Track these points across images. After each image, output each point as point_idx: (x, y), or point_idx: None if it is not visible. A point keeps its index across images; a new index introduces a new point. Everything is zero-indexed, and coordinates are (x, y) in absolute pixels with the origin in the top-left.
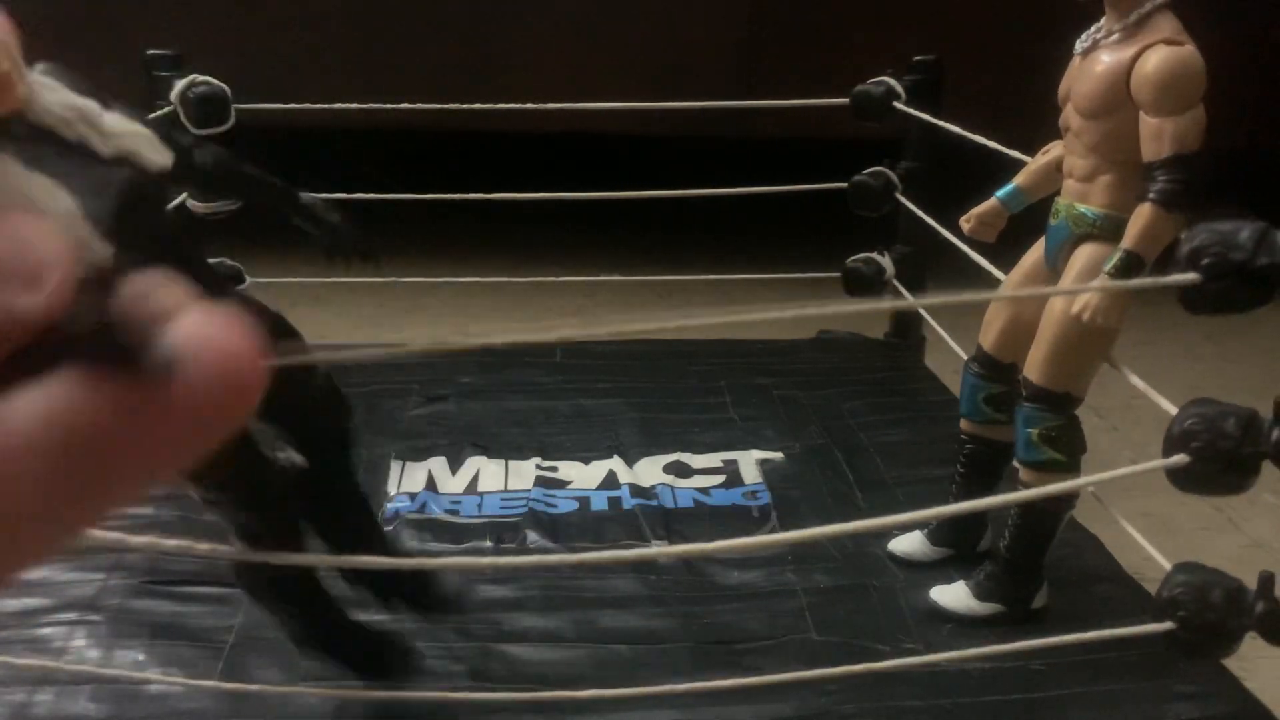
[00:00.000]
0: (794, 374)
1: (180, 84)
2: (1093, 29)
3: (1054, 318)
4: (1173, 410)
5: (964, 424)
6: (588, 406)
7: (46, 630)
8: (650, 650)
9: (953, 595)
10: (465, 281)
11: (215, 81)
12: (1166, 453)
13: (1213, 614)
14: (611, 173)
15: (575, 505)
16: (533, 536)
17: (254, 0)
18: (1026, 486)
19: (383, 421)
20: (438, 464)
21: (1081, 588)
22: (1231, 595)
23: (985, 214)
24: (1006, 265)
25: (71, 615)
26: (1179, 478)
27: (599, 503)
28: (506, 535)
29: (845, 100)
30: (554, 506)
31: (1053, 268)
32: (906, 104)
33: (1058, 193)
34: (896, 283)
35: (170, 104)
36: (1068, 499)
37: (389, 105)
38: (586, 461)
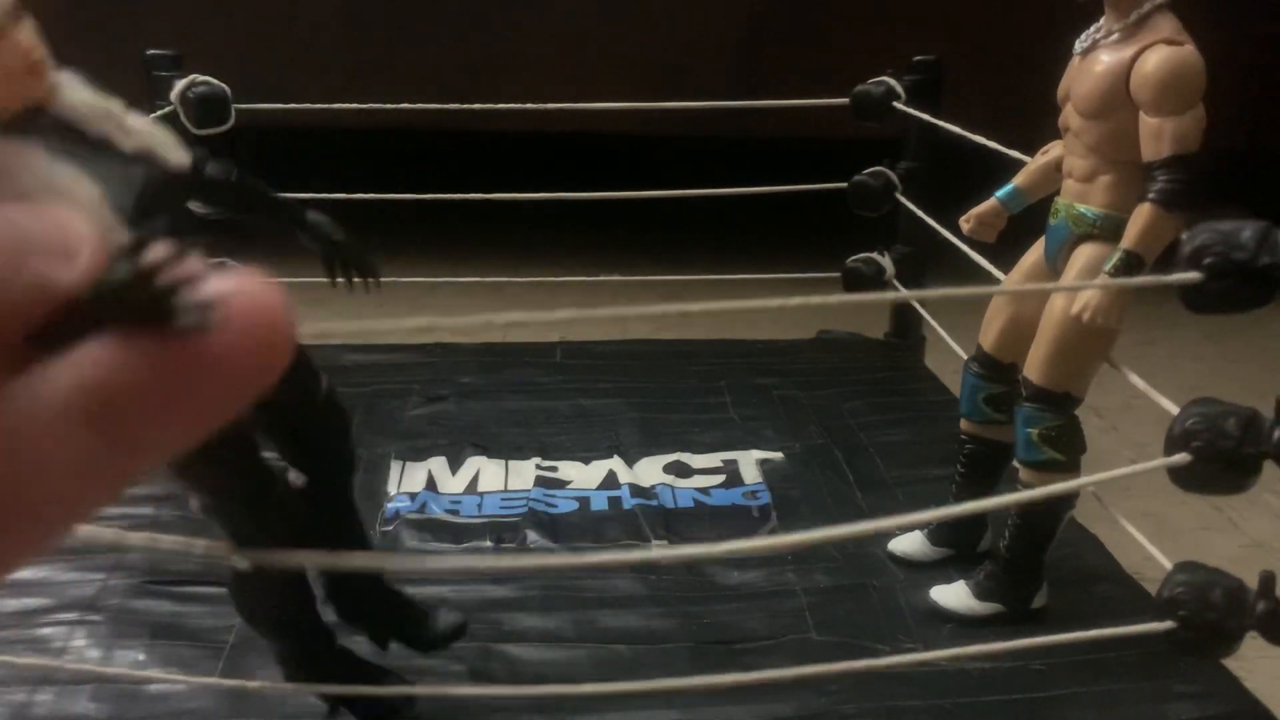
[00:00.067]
0: (794, 374)
1: (180, 84)
2: (1092, 29)
3: (1054, 318)
4: (1174, 410)
5: (964, 424)
6: (588, 406)
7: (47, 630)
8: (650, 650)
9: (953, 595)
10: (465, 281)
11: (215, 81)
12: (1168, 452)
13: (1213, 613)
14: (611, 173)
15: (575, 505)
16: (533, 536)
17: (254, 0)
18: (1027, 486)
19: (383, 421)
20: (438, 464)
21: (1081, 588)
22: (1232, 595)
23: (985, 214)
24: (1006, 265)
25: (72, 615)
26: (1180, 477)
27: (599, 503)
28: (506, 535)
29: (845, 100)
30: (554, 506)
31: (1053, 268)
32: (906, 104)
33: (1057, 193)
34: (896, 283)
35: (170, 104)
36: (1068, 499)
37: (389, 105)
38: (586, 461)
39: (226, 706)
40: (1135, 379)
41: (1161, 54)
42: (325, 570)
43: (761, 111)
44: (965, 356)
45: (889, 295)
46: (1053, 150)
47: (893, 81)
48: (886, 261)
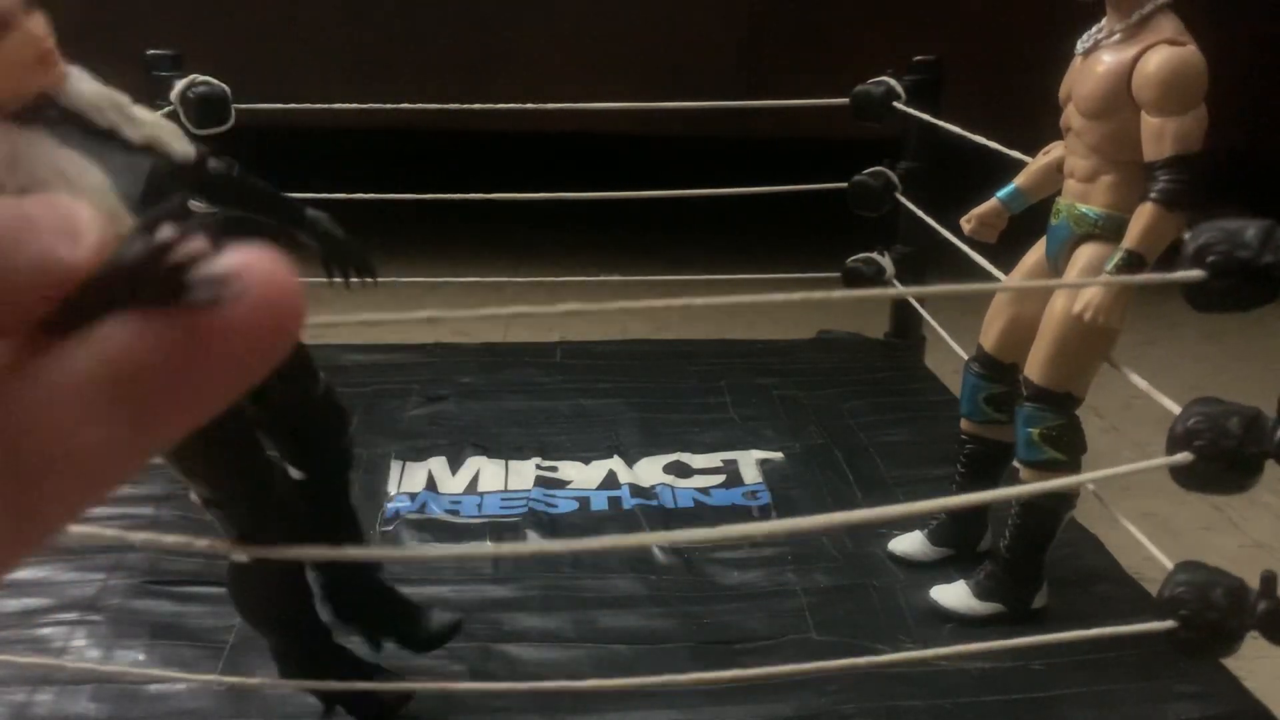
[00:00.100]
0: (794, 374)
1: (180, 84)
2: (1094, 29)
3: (1055, 318)
4: (1175, 409)
5: (964, 424)
6: (588, 406)
7: (47, 630)
8: (650, 650)
9: (953, 595)
10: (465, 281)
11: (215, 81)
12: (1170, 451)
13: (1214, 613)
14: (611, 173)
15: (575, 505)
16: (533, 536)
17: (254, 0)
18: None
19: (383, 421)
20: (438, 464)
21: (1081, 588)
22: (1233, 594)
23: (986, 214)
24: (1006, 266)
25: (72, 615)
26: (1182, 476)
27: (599, 503)
28: (506, 535)
29: (845, 100)
30: (554, 506)
31: (1054, 268)
32: (906, 104)
33: (1058, 193)
34: (896, 283)
35: (170, 104)
36: (1068, 499)
37: (389, 105)
38: (586, 461)
39: (227, 707)
40: (1136, 379)
41: (1164, 54)
42: (321, 569)
43: (761, 111)
44: (965, 356)
45: (888, 292)
46: (1054, 151)
47: (893, 81)
48: (886, 261)
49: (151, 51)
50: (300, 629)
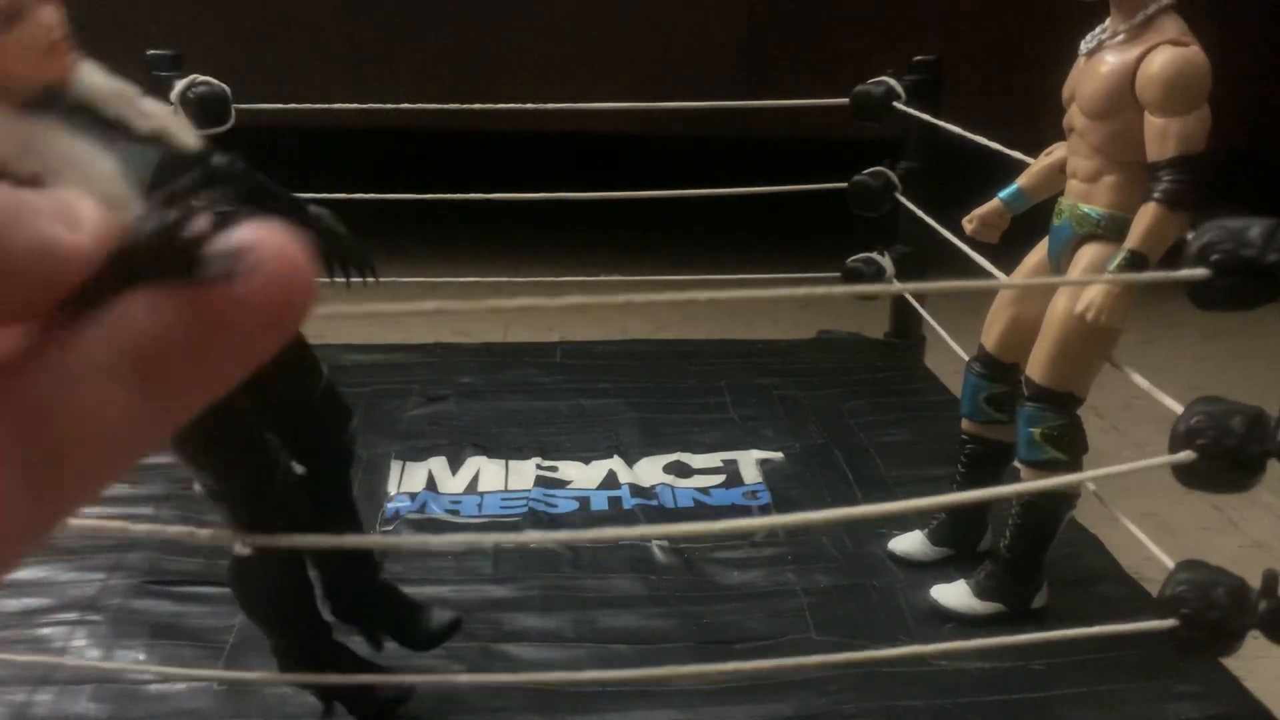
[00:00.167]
0: (794, 374)
1: (180, 84)
2: (1098, 30)
3: (1057, 317)
4: (1177, 409)
5: (965, 424)
6: (588, 406)
7: (47, 630)
8: (650, 650)
9: (953, 594)
10: (465, 281)
11: (215, 81)
12: (1172, 449)
13: (1216, 612)
14: (611, 173)
15: (575, 505)
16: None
17: (254, 0)
18: None
19: (383, 421)
20: (438, 464)
21: (1081, 588)
22: (1235, 593)
23: (988, 215)
24: (1007, 266)
25: (72, 615)
26: (1184, 474)
27: (599, 503)
28: (507, 533)
29: (845, 100)
30: (554, 506)
31: (1056, 268)
32: (906, 104)
33: (1060, 193)
34: (896, 283)
35: (170, 104)
36: (1068, 499)
37: (389, 105)
38: (586, 461)
39: (227, 707)
40: (1138, 378)
41: (1167, 54)
42: (322, 567)
43: (761, 111)
44: (965, 356)
45: (888, 288)
46: (1056, 152)
47: (893, 81)
48: (886, 261)
49: (151, 51)
50: (301, 625)
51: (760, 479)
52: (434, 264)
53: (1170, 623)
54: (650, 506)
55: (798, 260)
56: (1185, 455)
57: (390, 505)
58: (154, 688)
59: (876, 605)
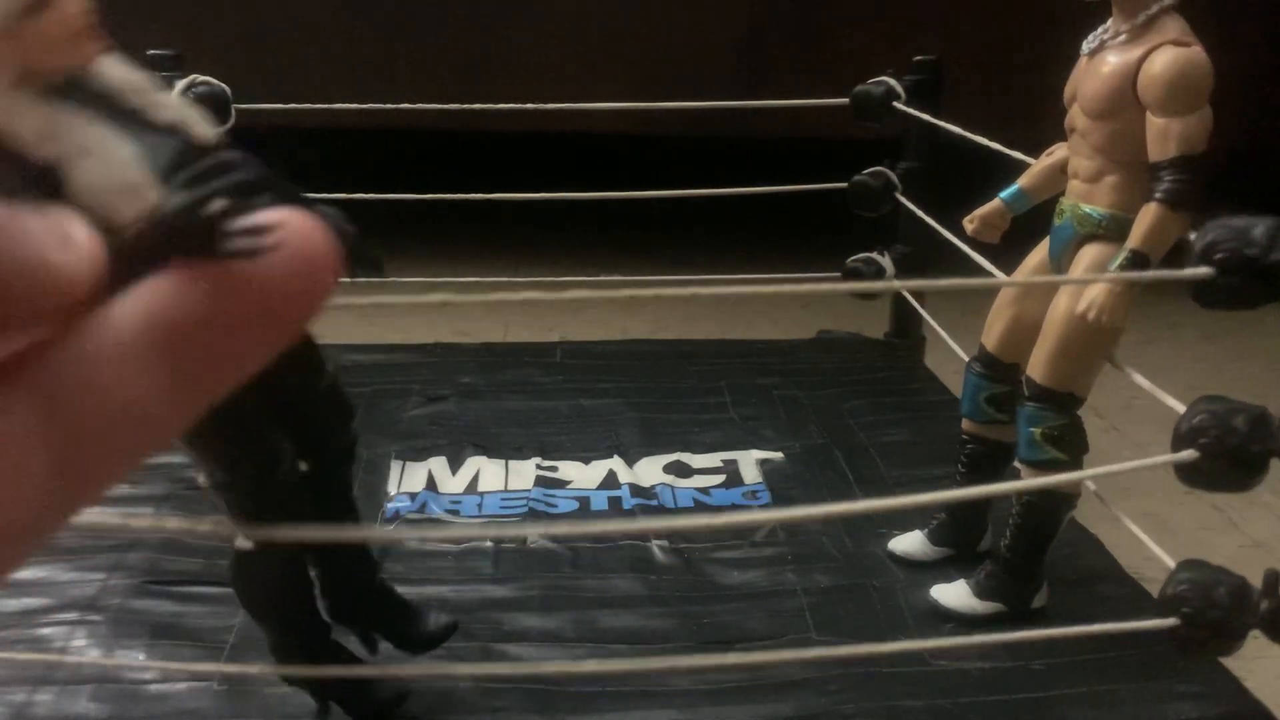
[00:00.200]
0: (794, 374)
1: (180, 84)
2: (1100, 30)
3: (1058, 317)
4: (1179, 408)
5: (965, 424)
6: (588, 406)
7: (47, 630)
8: (650, 650)
9: (953, 594)
10: (465, 282)
11: (215, 81)
12: (1175, 448)
13: (1217, 611)
14: (611, 173)
15: (575, 505)
16: (532, 536)
17: (254, 0)
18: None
19: (383, 421)
20: (438, 464)
21: (1081, 587)
22: (1236, 593)
23: (989, 215)
24: (1008, 266)
25: (72, 615)
26: (1186, 473)
27: (599, 503)
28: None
29: (845, 100)
30: (554, 506)
31: (1057, 268)
32: (906, 104)
33: (1061, 194)
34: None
35: None
36: (1068, 499)
37: (389, 105)
38: (586, 461)
39: (227, 707)
40: (1139, 378)
41: (1169, 55)
42: (321, 565)
43: (761, 111)
44: (965, 356)
45: (888, 285)
46: (1057, 152)
47: (893, 81)
48: (886, 261)
49: (151, 51)
50: (299, 623)
51: (760, 479)
52: (434, 264)
53: (1171, 622)
54: (650, 506)
55: (798, 260)
56: (1188, 454)
57: (390, 505)
58: (154, 688)
59: (876, 605)
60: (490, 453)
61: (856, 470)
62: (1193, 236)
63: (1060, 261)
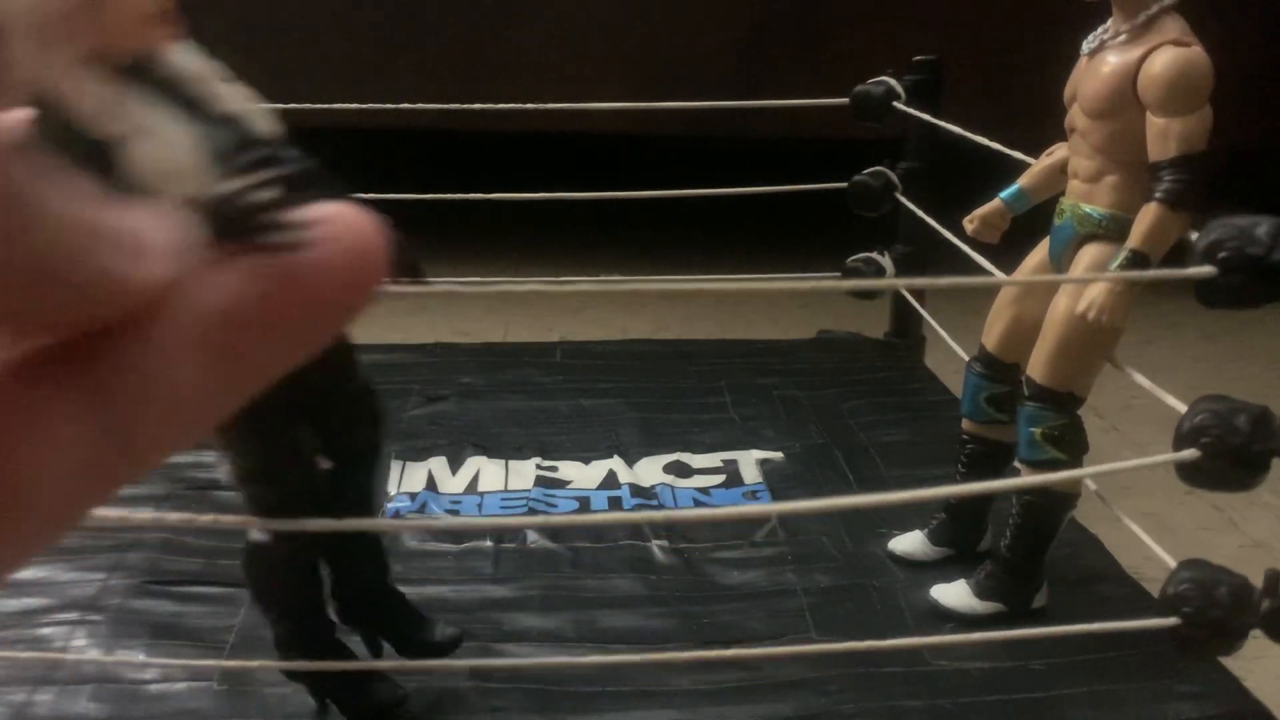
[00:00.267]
0: (794, 374)
1: None
2: (1100, 30)
3: (1058, 317)
4: (1180, 408)
5: (965, 424)
6: (588, 406)
7: (47, 630)
8: (650, 650)
9: (953, 594)
10: (465, 281)
11: None
12: (1176, 448)
13: (1218, 610)
14: (611, 173)
15: (575, 505)
16: (532, 535)
17: (254, 0)
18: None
19: None
20: (438, 464)
21: (1082, 587)
22: (1237, 592)
23: (989, 215)
24: (1008, 266)
25: (73, 615)
26: (1188, 473)
27: (599, 503)
28: (507, 535)
29: (845, 100)
30: (554, 506)
31: (1057, 268)
32: (906, 104)
33: (1061, 193)
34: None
35: None
36: (1068, 499)
37: (389, 105)
38: (586, 461)
39: (227, 707)
40: (1140, 378)
41: (1169, 55)
42: (333, 563)
43: (761, 111)
44: (965, 356)
45: (888, 282)
46: (1057, 152)
47: (893, 81)
48: (886, 261)
49: None
50: (307, 618)
51: (760, 479)
52: (434, 264)
53: (1172, 621)
54: (650, 507)
55: (798, 260)
56: (1189, 453)
57: (390, 505)
58: (154, 688)
59: (876, 605)
60: (490, 453)
61: (856, 470)
62: (1194, 236)
63: (1060, 261)
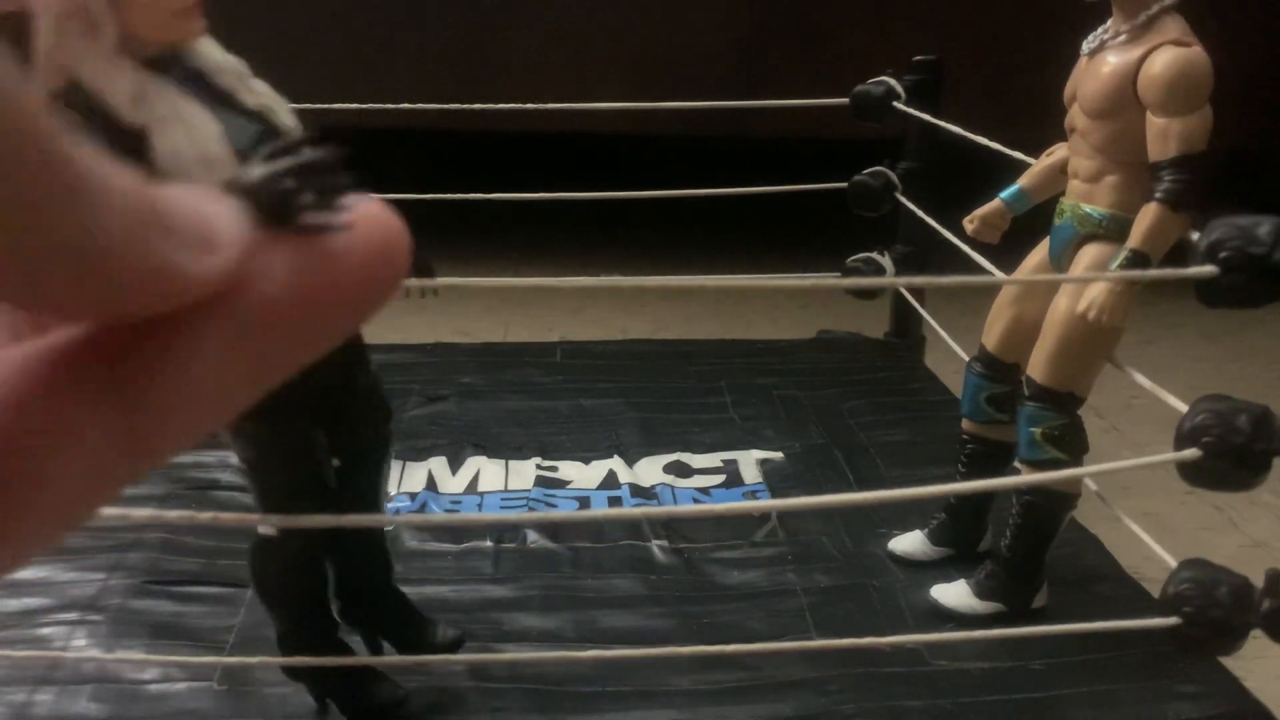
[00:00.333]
0: (794, 374)
1: None
2: (1100, 30)
3: (1058, 317)
4: (1180, 408)
5: (965, 424)
6: (588, 406)
7: (48, 630)
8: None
9: (953, 594)
10: (465, 282)
11: None
12: (1177, 447)
13: (1219, 610)
14: (611, 173)
15: (575, 505)
16: (532, 535)
17: (254, 0)
18: (1029, 486)
19: None
20: (438, 464)
21: (1082, 587)
22: (1237, 592)
23: (989, 215)
24: (1008, 266)
25: (73, 615)
26: (1188, 472)
27: (599, 503)
28: (507, 534)
29: (845, 100)
30: (554, 506)
31: (1057, 267)
32: (906, 104)
33: (1061, 193)
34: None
35: None
36: (1069, 499)
37: (389, 105)
38: (587, 461)
39: (227, 706)
40: (1140, 378)
41: (1169, 55)
42: (337, 560)
43: (761, 111)
44: (965, 356)
45: (888, 281)
46: (1057, 152)
47: (893, 81)
48: (886, 261)
49: None
50: (310, 614)
51: (760, 479)
52: (435, 264)
53: (1172, 621)
54: (650, 506)
55: (798, 260)
56: (1190, 453)
57: (390, 505)
58: (154, 688)
59: (876, 605)
60: (490, 453)
61: (856, 470)
62: (1195, 236)
63: (1060, 261)
